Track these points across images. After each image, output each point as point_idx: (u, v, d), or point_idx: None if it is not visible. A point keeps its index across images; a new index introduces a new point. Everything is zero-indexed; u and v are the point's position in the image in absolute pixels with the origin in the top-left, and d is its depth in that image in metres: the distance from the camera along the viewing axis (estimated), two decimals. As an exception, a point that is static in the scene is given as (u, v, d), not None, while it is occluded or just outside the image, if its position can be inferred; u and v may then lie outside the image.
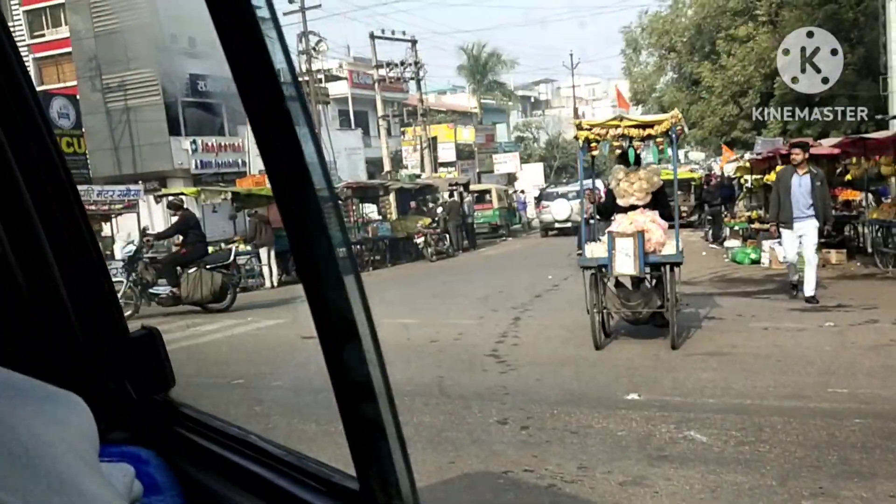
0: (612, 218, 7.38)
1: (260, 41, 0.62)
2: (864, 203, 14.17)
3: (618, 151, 7.44)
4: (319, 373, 0.69)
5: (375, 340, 0.65)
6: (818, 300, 8.86)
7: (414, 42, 26.26)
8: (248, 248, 15.29)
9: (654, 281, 7.34)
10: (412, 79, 26.65)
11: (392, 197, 21.15)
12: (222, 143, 27.29)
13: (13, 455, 0.45)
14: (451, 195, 23.64)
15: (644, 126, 7.05)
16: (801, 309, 8.59)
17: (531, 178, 39.20)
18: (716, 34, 24.15)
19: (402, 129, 34.33)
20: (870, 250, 12.68)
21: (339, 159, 28.87)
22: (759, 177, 18.13)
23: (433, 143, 29.03)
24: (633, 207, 7.27)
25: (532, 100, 65.70)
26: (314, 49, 26.81)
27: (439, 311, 10.38)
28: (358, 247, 18.67)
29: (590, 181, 9.40)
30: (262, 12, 0.63)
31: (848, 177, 15.72)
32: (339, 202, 19.09)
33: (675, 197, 7.99)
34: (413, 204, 22.77)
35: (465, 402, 5.59)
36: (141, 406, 1.11)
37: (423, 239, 20.08)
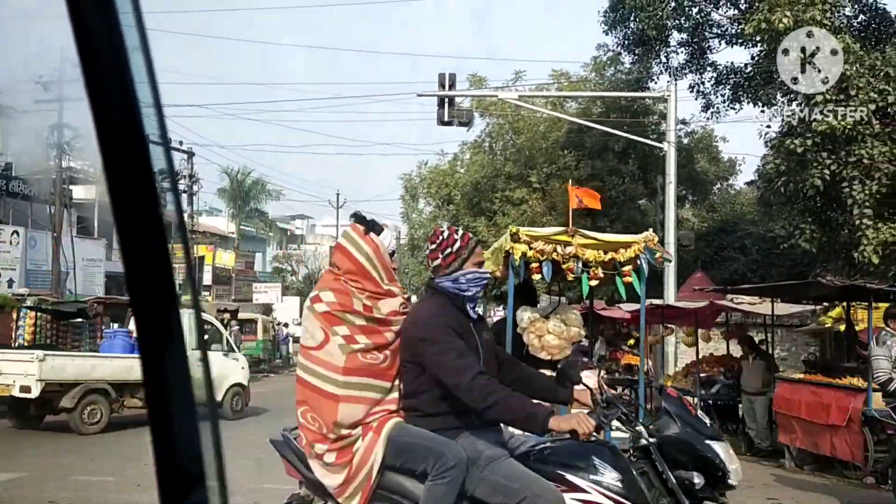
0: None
1: (146, 157, 0.62)
2: (644, 368, 14.73)
3: (533, 277, 5.60)
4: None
5: (224, 496, 0.58)
6: None
7: (191, 154, 24.23)
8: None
9: None
10: (185, 192, 24.39)
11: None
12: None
13: None
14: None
15: (606, 247, 5.46)
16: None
17: (288, 311, 37.48)
18: (492, 193, 25.32)
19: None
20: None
21: (76, 270, 25.07)
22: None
23: (199, 263, 26.49)
24: (550, 361, 5.65)
25: (288, 233, 64.63)
26: (66, 145, 23.63)
27: (249, 473, 8.34)
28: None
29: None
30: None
31: (630, 342, 16.36)
32: (87, 319, 15.98)
33: (643, 351, 6.87)
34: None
35: None
36: None
37: (181, 371, 17.40)
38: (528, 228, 5.59)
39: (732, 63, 17.75)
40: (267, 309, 36.09)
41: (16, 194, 25.87)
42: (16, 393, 11.25)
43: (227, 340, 15.32)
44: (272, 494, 7.31)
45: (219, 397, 13.67)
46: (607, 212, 24.15)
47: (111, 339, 13.50)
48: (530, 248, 5.33)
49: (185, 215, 23.63)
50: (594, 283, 5.48)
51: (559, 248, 5.36)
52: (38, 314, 15.14)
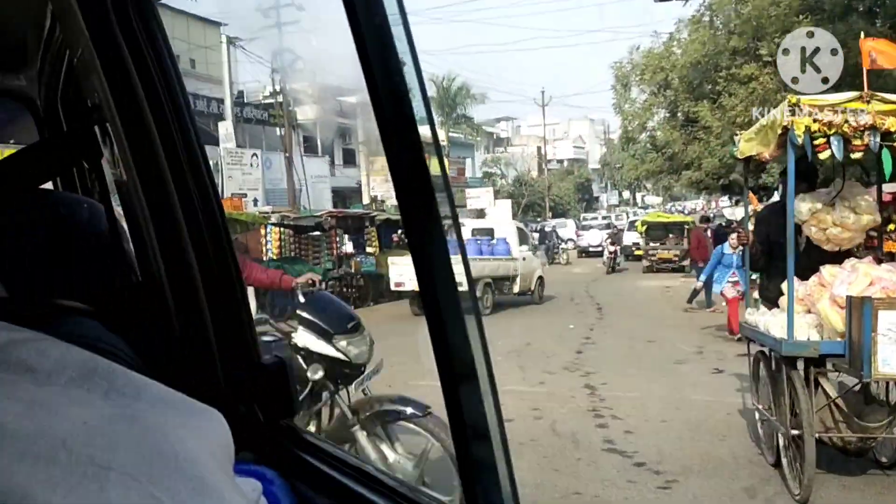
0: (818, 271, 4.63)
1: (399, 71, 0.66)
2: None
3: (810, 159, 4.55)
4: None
5: (492, 383, 0.67)
6: None
7: (403, 65, 24.57)
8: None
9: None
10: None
11: (376, 230, 19.22)
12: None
13: (164, 458, 0.49)
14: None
15: None
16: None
17: (501, 214, 37.91)
18: (715, 73, 23.22)
19: (372, 158, 32.64)
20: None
21: (307, 187, 27.01)
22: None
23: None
24: (839, 253, 4.81)
25: (494, 136, 64.72)
26: (289, 69, 25.05)
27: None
28: (336, 282, 16.80)
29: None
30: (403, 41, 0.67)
31: (890, 227, 14.49)
32: (323, 232, 17.11)
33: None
34: (395, 238, 20.84)
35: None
36: (268, 430, 1.12)
37: (406, 277, 18.29)
38: (811, 97, 4.64)
39: None
40: (481, 213, 36.84)
41: (249, 120, 28.08)
42: None
43: (533, 243, 19.03)
44: (511, 394, 7.35)
45: (531, 287, 17.51)
46: (852, 81, 21.19)
47: (493, 246, 16.66)
48: (814, 121, 4.31)
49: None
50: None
51: (850, 119, 4.30)
52: (282, 229, 16.42)
